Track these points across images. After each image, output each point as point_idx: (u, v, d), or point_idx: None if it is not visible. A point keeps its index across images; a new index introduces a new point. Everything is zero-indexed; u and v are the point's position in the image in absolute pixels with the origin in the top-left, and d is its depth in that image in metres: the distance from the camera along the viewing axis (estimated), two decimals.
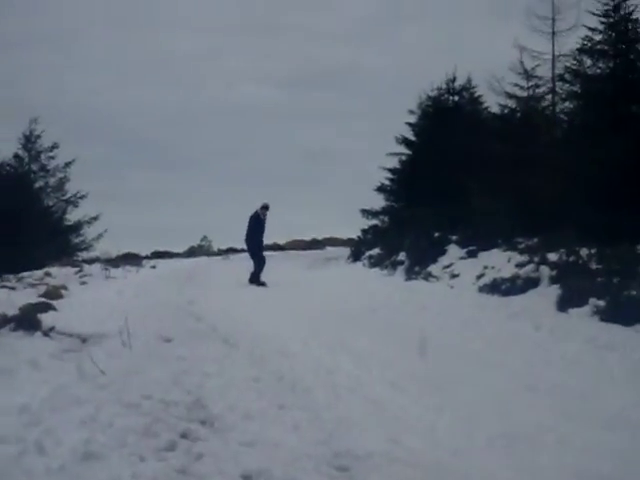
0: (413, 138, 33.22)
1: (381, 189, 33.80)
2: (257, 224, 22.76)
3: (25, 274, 22.92)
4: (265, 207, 23.02)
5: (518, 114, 25.47)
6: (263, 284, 21.64)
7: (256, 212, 22.83)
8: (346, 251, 34.07)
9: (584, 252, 14.70)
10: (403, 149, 33.50)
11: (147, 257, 43.08)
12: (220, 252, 52.74)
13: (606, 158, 17.18)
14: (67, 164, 37.41)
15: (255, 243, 23.07)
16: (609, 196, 16.89)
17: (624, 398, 7.49)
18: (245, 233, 23.05)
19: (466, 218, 22.57)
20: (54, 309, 14.40)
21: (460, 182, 23.90)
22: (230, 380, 8.51)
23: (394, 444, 5.98)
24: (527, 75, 24.96)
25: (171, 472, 5.38)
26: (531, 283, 14.82)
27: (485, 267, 17.34)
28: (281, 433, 6.38)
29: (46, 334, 10.87)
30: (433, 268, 20.49)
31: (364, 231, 34.25)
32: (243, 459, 5.63)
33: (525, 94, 25.32)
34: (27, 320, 11.22)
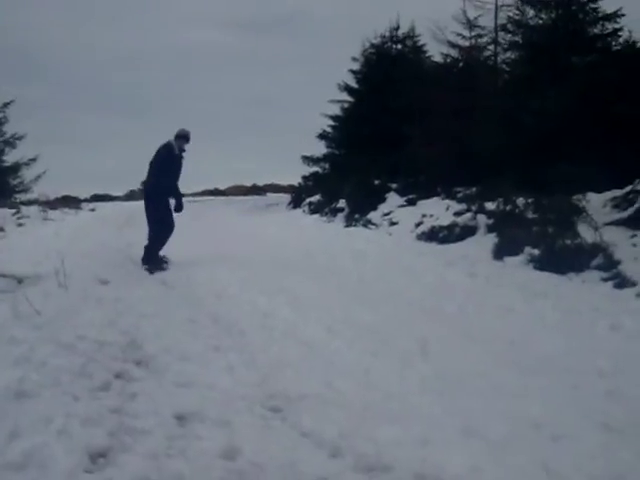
0: (355, 85, 33.29)
1: (322, 136, 33.87)
2: (168, 161, 13.67)
3: None
4: (183, 136, 13.97)
5: (460, 64, 25.58)
6: (162, 264, 13.49)
7: (168, 142, 13.76)
8: (287, 197, 34.22)
9: (521, 201, 14.88)
10: (345, 96, 33.56)
11: (86, 200, 42.96)
12: None
13: (545, 109, 17.36)
14: (5, 104, 36.83)
15: (160, 191, 13.78)
16: (547, 147, 17.10)
17: (555, 344, 7.60)
18: (147, 173, 14.02)
19: (407, 166, 22.71)
20: None
21: (401, 130, 24.01)
22: (166, 322, 8.52)
23: (327, 387, 6.03)
24: (470, 25, 25.08)
25: (105, 411, 5.37)
26: (468, 231, 15.01)
27: (424, 215, 17.49)
28: (216, 375, 6.40)
29: None
30: (373, 215, 20.63)
31: (305, 178, 34.39)
32: (177, 400, 5.65)
33: (467, 44, 25.42)
34: None
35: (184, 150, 13.99)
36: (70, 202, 36.76)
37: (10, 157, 37.47)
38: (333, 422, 5.13)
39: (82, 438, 4.79)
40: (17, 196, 36.67)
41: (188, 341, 7.63)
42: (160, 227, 13.67)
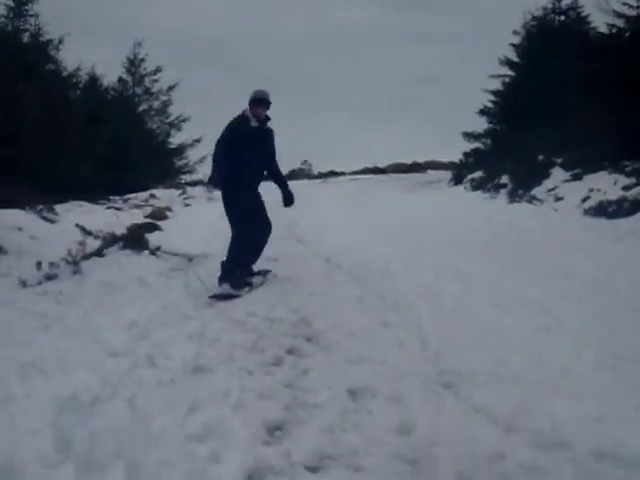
0: (517, 59, 32.68)
1: (483, 112, 33.50)
2: (238, 138, 9.49)
3: (131, 196, 23.50)
4: (257, 101, 9.77)
5: (627, 34, 24.75)
6: (245, 286, 9.43)
7: (241, 114, 9.79)
8: (447, 174, 34.02)
9: None
10: (506, 71, 33.01)
11: None
12: (320, 175, 53.18)
13: None
14: (170, 87, 37.82)
15: (237, 183, 9.67)
16: None
17: None
18: (212, 159, 9.86)
19: (571, 141, 22.16)
20: (160, 229, 14.73)
21: (565, 104, 23.46)
22: (333, 299, 8.58)
23: (499, 363, 5.96)
24: None
25: (278, 386, 5.48)
26: (639, 206, 14.50)
27: (590, 190, 17.04)
28: (385, 351, 6.41)
29: (153, 253, 11.11)
30: (537, 191, 20.25)
31: (466, 154, 34.10)
32: (349, 375, 5.69)
33: (635, 13, 24.57)
34: (135, 239, 11.46)
35: (268, 119, 9.92)
36: None
37: (175, 139, 38.46)
38: (506, 398, 5.07)
39: (258, 411, 4.90)
40: (183, 177, 37.66)
41: (356, 318, 7.66)
42: (248, 231, 9.75)
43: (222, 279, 9.17)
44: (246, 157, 9.48)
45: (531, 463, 4.13)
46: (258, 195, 10.12)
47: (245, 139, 9.51)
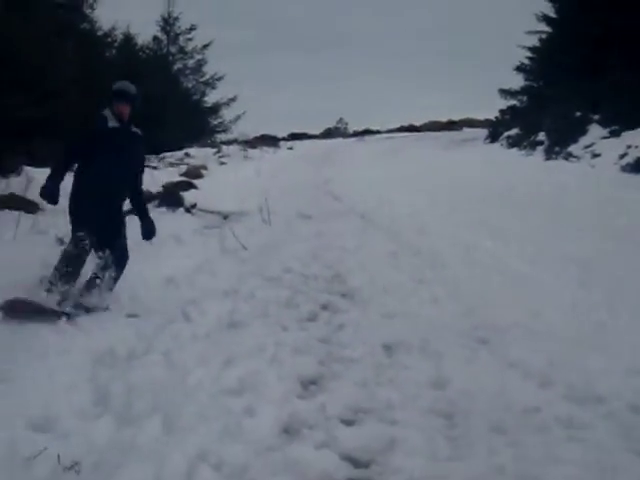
0: (554, 15, 32.14)
1: (520, 68, 32.98)
2: (94, 142, 6.78)
3: (166, 154, 23.54)
4: (117, 94, 7.07)
5: None
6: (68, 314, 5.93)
7: (98, 114, 7.07)
8: (483, 132, 33.73)
9: None
10: (544, 27, 32.47)
11: (284, 139, 43.70)
12: (356, 134, 53.01)
13: None
14: (205, 46, 37.61)
15: (83, 202, 6.68)
16: None
17: None
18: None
19: (609, 97, 21.89)
20: (195, 187, 14.73)
21: (603, 59, 23.16)
22: (368, 255, 8.61)
23: (534, 318, 5.95)
24: None
25: (313, 341, 5.51)
26: None
27: (628, 146, 16.84)
28: (420, 306, 6.43)
29: (188, 211, 11.16)
30: (573, 148, 20.04)
31: (502, 111, 33.72)
32: (383, 330, 5.71)
33: None
34: (170, 197, 11.51)
35: (128, 122, 7.09)
36: (268, 141, 37.49)
37: (210, 98, 38.39)
38: (541, 352, 5.05)
39: (293, 366, 4.92)
40: (218, 136, 37.62)
41: (391, 274, 7.69)
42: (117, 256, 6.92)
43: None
44: (98, 166, 6.78)
45: (567, 417, 4.12)
46: (115, 217, 7.09)
47: (98, 143, 6.82)
